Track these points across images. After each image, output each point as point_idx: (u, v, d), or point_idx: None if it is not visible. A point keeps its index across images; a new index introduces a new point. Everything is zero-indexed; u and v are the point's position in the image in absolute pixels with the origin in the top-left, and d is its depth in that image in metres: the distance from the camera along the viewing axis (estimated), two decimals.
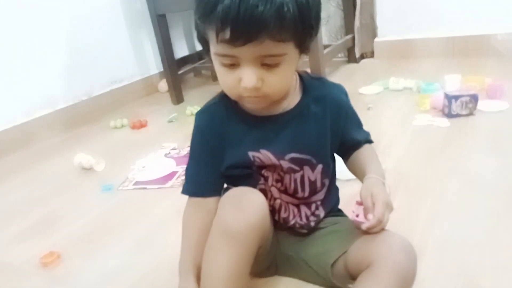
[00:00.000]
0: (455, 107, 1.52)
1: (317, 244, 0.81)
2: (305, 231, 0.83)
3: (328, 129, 0.77)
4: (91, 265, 1.04)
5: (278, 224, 0.83)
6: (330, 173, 0.81)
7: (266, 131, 0.75)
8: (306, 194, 0.79)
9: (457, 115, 1.53)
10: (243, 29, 0.59)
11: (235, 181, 0.77)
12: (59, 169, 1.68)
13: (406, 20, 2.46)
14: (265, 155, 0.75)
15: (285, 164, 0.76)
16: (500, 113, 1.52)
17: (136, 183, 1.45)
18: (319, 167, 0.77)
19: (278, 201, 0.80)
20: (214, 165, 0.78)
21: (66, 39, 2.18)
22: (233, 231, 0.67)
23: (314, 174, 0.78)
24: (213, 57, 0.69)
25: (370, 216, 0.68)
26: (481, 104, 1.55)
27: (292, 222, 0.82)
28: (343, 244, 0.75)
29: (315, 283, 0.82)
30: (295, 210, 0.81)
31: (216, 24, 0.60)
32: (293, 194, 0.80)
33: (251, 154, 0.75)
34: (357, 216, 0.71)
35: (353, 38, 2.55)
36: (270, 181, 0.78)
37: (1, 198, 1.53)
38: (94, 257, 1.07)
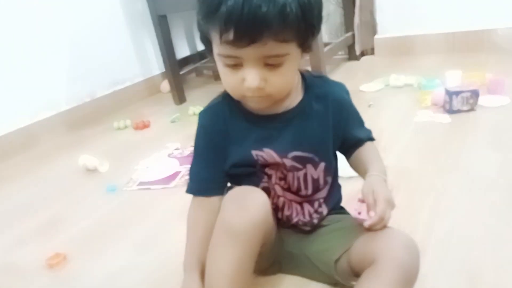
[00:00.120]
0: (456, 103, 1.53)
1: (320, 242, 0.82)
2: (308, 228, 0.84)
3: (330, 127, 0.77)
4: (96, 265, 1.05)
5: (281, 221, 0.84)
6: (332, 170, 0.82)
7: (269, 130, 0.76)
8: (309, 192, 0.80)
9: (458, 111, 1.53)
10: (247, 30, 0.60)
11: (239, 180, 0.78)
12: (64, 170, 1.70)
13: (406, 16, 2.46)
14: (268, 154, 0.76)
15: (288, 162, 0.76)
16: (501, 108, 1.52)
17: (140, 183, 1.46)
18: (322, 165, 0.78)
19: (281, 199, 0.81)
20: (218, 164, 0.79)
21: (68, 42, 2.19)
22: (236, 230, 0.68)
23: (317, 172, 0.79)
24: (216, 57, 0.69)
25: (372, 213, 0.69)
26: (482, 100, 1.56)
27: (295, 220, 0.83)
28: (346, 241, 0.76)
29: (318, 280, 0.83)
30: (298, 208, 0.82)
31: (220, 25, 0.61)
32: (297, 192, 0.80)
33: (254, 153, 0.76)
34: (359, 213, 0.72)
35: (353, 35, 2.54)
36: (273, 179, 0.79)
37: (6, 200, 1.54)
38: (99, 258, 1.08)
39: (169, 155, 1.65)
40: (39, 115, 2.06)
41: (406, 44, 2.50)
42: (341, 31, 2.67)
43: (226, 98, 0.77)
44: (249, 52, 0.63)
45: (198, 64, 2.71)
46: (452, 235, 0.92)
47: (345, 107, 0.80)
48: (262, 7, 0.58)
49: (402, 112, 1.66)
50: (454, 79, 1.72)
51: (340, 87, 0.81)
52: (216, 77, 2.68)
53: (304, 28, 0.64)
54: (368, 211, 0.70)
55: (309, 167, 0.78)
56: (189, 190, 0.82)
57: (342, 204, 0.90)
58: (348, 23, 2.58)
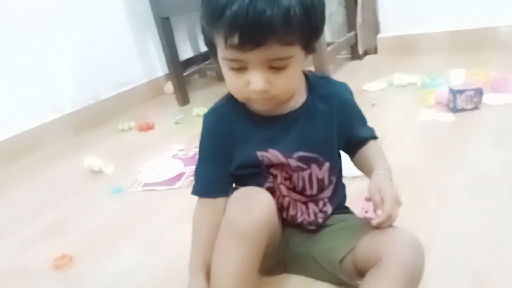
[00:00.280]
0: (460, 101, 1.52)
1: (325, 241, 0.82)
2: (313, 227, 0.84)
3: (335, 126, 0.78)
4: (102, 266, 1.06)
5: (286, 221, 0.84)
6: (337, 170, 0.82)
7: (274, 131, 0.76)
8: (314, 191, 0.80)
9: (462, 110, 1.53)
10: (252, 34, 0.60)
11: (244, 181, 0.79)
12: (69, 172, 1.71)
13: (409, 15, 2.45)
14: (273, 154, 0.76)
15: (293, 162, 0.77)
16: (506, 106, 1.52)
17: (145, 184, 1.47)
18: (326, 164, 0.78)
19: (286, 199, 0.81)
20: (223, 165, 0.79)
21: (72, 45, 2.20)
22: (242, 230, 0.68)
23: (322, 172, 0.79)
24: (220, 61, 0.69)
25: (379, 211, 0.69)
26: (486, 98, 1.55)
27: (300, 219, 0.83)
28: (351, 241, 0.76)
29: (323, 280, 0.83)
30: (303, 207, 0.82)
31: (224, 29, 0.61)
32: (302, 192, 0.81)
33: (259, 153, 0.76)
34: (366, 212, 0.72)
35: (356, 35, 2.54)
36: (278, 179, 0.79)
37: (13, 202, 1.56)
38: (105, 258, 1.09)
39: (173, 156, 1.66)
40: (44, 118, 2.07)
41: (409, 43, 2.49)
42: (344, 30, 2.67)
43: (230, 99, 0.77)
44: (253, 56, 0.63)
45: (201, 65, 2.73)
46: (457, 233, 0.92)
47: (349, 107, 0.80)
48: (267, 11, 0.58)
49: (406, 111, 1.66)
50: (458, 77, 1.72)
51: (344, 87, 0.82)
52: (220, 78, 2.69)
53: (308, 30, 0.64)
54: (375, 209, 0.71)
55: (314, 167, 0.78)
56: (195, 192, 0.82)
57: (347, 203, 0.90)
58: (350, 23, 2.58)
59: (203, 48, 2.84)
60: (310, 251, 0.83)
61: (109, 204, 1.38)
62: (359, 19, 2.51)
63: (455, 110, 1.53)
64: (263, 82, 0.66)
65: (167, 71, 2.48)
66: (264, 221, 0.70)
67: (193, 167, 0.84)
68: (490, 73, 1.74)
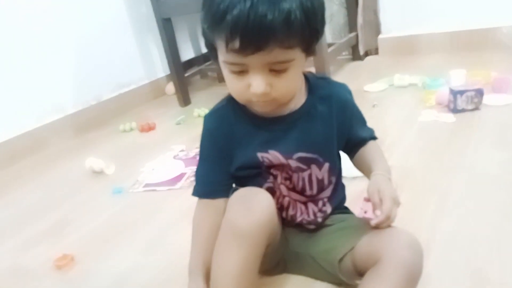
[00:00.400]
0: (461, 102, 1.52)
1: (324, 241, 0.82)
2: (313, 226, 0.85)
3: (334, 127, 0.78)
4: (104, 266, 1.07)
5: (286, 221, 0.84)
6: (336, 170, 0.83)
7: (274, 132, 0.77)
8: (314, 192, 0.81)
9: (463, 110, 1.53)
10: (253, 38, 0.60)
11: (244, 181, 0.79)
12: (70, 173, 1.71)
13: (410, 16, 2.45)
14: (273, 155, 0.76)
15: (293, 163, 0.77)
16: (506, 107, 1.52)
17: (146, 185, 1.47)
18: (326, 165, 0.79)
19: (286, 199, 0.82)
20: (223, 167, 0.80)
21: (74, 46, 2.21)
22: (242, 231, 0.68)
23: (321, 173, 0.79)
24: (221, 64, 0.70)
25: (378, 212, 0.70)
26: (487, 98, 1.55)
27: (299, 219, 0.83)
28: (350, 241, 0.76)
29: (323, 280, 0.84)
30: (303, 207, 0.83)
31: (226, 34, 0.61)
32: (301, 192, 0.81)
33: (260, 155, 0.77)
34: (365, 212, 0.72)
35: (357, 35, 2.54)
36: (279, 179, 0.80)
37: (14, 203, 1.56)
38: (106, 259, 1.09)
39: (174, 157, 1.66)
40: (45, 119, 2.08)
41: (410, 43, 2.49)
42: (345, 31, 2.67)
43: (230, 101, 0.77)
44: (254, 60, 0.63)
45: (202, 66, 2.73)
46: (457, 234, 0.92)
47: (348, 108, 0.81)
48: (268, 15, 0.59)
49: (407, 112, 1.66)
50: (459, 78, 1.72)
51: (343, 87, 0.82)
52: (221, 79, 2.69)
53: (308, 33, 0.65)
54: (374, 210, 0.71)
55: (314, 167, 0.78)
56: (195, 193, 0.83)
57: (347, 204, 0.91)
58: (351, 23, 2.58)
59: (204, 49, 2.83)
60: (309, 251, 0.83)
61: (110, 205, 1.38)
62: (360, 20, 2.51)
63: (455, 110, 1.53)
64: (264, 85, 0.66)
65: (168, 72, 2.49)
66: (264, 222, 0.70)
67: (194, 168, 0.85)
68: (491, 73, 1.75)
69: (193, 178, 0.85)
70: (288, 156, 0.76)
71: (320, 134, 0.77)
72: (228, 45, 0.63)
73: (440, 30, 2.39)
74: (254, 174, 0.79)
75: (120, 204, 1.37)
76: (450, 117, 1.51)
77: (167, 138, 1.92)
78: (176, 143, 1.79)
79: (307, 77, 0.79)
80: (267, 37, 0.60)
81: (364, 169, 0.82)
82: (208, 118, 0.81)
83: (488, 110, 1.52)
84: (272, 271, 0.88)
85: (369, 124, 0.87)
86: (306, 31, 0.64)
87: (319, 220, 0.84)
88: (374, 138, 0.86)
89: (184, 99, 2.37)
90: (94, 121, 2.26)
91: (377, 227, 0.70)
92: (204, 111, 2.06)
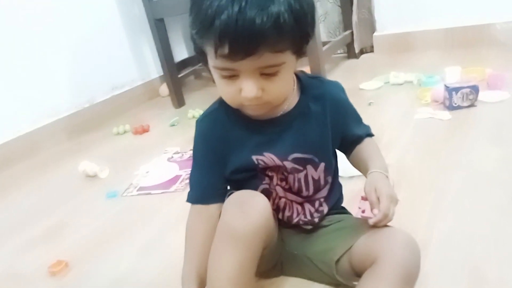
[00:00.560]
0: (456, 99, 1.52)
1: (321, 242, 0.81)
2: (309, 227, 0.84)
3: (329, 126, 0.77)
4: (98, 271, 1.05)
5: (282, 222, 0.83)
6: (332, 170, 0.82)
7: (268, 134, 0.76)
8: (311, 192, 0.80)
9: (458, 107, 1.52)
10: (242, 44, 0.59)
11: (239, 184, 0.78)
12: (64, 177, 1.70)
13: (404, 13, 2.45)
14: (268, 158, 0.76)
15: (288, 164, 0.76)
16: (502, 103, 1.51)
17: (140, 188, 1.46)
18: (322, 165, 0.78)
19: (283, 200, 0.81)
20: (218, 170, 0.79)
21: (67, 48, 2.19)
22: (238, 234, 0.67)
23: (317, 173, 0.78)
24: (211, 69, 0.69)
25: (375, 210, 0.69)
26: (482, 95, 1.55)
27: (296, 220, 0.83)
28: (348, 241, 0.75)
29: (320, 281, 0.83)
30: (299, 208, 0.82)
31: (214, 39, 0.60)
32: (298, 193, 0.80)
33: (255, 157, 0.76)
34: (363, 211, 0.72)
35: (352, 33, 2.54)
36: (274, 181, 0.79)
37: (8, 208, 1.54)
38: (101, 264, 1.08)
39: (168, 159, 1.65)
40: (39, 122, 2.06)
41: (405, 41, 2.49)
42: (340, 29, 2.66)
43: (223, 104, 0.76)
44: (245, 64, 0.62)
45: (196, 67, 2.72)
46: (454, 232, 0.91)
47: (342, 106, 0.80)
48: (256, 19, 0.58)
49: (402, 110, 1.66)
50: (454, 75, 1.72)
51: (336, 86, 0.81)
52: None
53: (299, 36, 0.64)
54: (371, 208, 0.70)
55: (310, 168, 0.77)
56: (190, 199, 0.81)
57: (344, 204, 0.90)
58: (346, 21, 2.57)
59: None
60: (306, 252, 0.83)
61: (104, 209, 1.37)
62: (354, 17, 2.51)
63: (451, 107, 1.53)
64: (256, 89, 0.65)
65: (162, 73, 2.48)
66: (260, 224, 0.69)
67: (189, 170, 0.83)
68: (486, 70, 1.75)
69: (187, 181, 0.84)
70: (283, 157, 0.76)
71: (314, 134, 0.76)
72: (217, 51, 0.61)
73: (434, 27, 2.39)
74: (249, 177, 0.78)
75: (114, 209, 1.36)
76: (446, 114, 1.50)
77: (161, 140, 1.91)
78: (171, 145, 1.77)
79: (299, 77, 0.78)
80: (256, 42, 0.59)
81: (361, 167, 0.81)
82: (200, 122, 0.80)
83: (483, 107, 1.51)
84: (269, 273, 0.87)
85: (365, 122, 0.86)
86: (296, 33, 0.63)
87: (316, 220, 0.83)
88: (370, 135, 0.85)
89: (178, 100, 2.36)
90: (88, 124, 2.24)
91: (375, 225, 0.70)
92: (199, 112, 2.05)
